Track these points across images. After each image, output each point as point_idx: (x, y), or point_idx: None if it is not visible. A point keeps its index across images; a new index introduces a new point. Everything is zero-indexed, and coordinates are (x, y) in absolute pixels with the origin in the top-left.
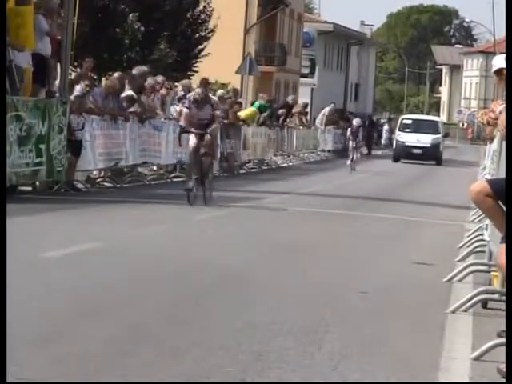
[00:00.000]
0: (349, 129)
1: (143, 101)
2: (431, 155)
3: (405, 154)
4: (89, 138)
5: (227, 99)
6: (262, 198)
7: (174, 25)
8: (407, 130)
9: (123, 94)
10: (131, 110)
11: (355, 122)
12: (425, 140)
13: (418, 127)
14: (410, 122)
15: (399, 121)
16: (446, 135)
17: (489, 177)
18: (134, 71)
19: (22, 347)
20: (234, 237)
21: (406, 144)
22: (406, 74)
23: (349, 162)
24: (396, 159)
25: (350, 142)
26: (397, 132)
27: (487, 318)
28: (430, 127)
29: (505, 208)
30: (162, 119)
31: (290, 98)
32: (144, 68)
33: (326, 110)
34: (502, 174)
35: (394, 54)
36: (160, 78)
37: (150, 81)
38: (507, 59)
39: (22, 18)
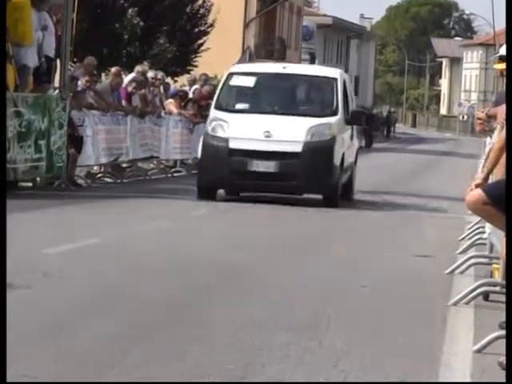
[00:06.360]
0: None
1: (145, 95)
2: (307, 179)
3: (231, 175)
4: (89, 134)
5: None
6: (261, 196)
7: (174, 19)
8: (241, 105)
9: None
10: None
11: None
12: (289, 134)
13: (272, 97)
14: (250, 82)
15: (222, 81)
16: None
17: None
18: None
19: (23, 346)
20: (235, 233)
21: (233, 146)
22: (405, 67)
23: None
24: (204, 192)
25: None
26: (211, 114)
27: (489, 311)
28: (310, 97)
29: (504, 212)
30: (162, 114)
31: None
32: (145, 67)
33: None
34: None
35: (393, 46)
36: (159, 74)
37: (150, 74)
38: (507, 56)
39: (21, 13)
